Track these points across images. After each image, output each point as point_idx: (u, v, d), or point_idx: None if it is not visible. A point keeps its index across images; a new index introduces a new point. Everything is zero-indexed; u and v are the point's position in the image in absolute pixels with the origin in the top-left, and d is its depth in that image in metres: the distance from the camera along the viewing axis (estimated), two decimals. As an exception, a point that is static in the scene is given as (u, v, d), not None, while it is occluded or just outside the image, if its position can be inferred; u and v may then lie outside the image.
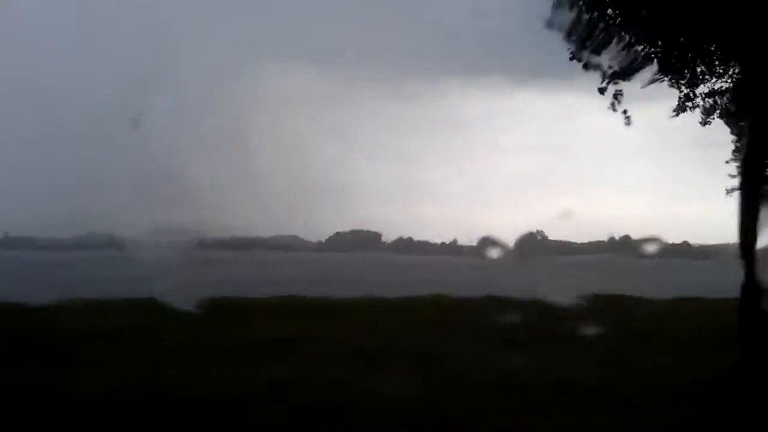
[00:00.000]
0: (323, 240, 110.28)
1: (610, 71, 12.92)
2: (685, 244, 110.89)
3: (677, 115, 15.24)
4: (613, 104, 13.14)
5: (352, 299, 20.84)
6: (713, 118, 16.14)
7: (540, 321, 16.10)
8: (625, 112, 13.30)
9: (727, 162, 18.98)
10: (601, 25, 12.50)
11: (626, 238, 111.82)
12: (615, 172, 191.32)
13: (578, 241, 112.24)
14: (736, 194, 18.46)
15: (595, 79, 13.10)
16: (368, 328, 15.10)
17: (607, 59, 12.79)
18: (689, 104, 15.39)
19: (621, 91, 13.09)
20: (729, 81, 15.32)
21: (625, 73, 12.94)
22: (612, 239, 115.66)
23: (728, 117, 16.56)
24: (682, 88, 14.93)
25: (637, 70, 13.09)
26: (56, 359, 11.60)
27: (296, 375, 10.74)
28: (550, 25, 12.53)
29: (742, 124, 15.98)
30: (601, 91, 13.06)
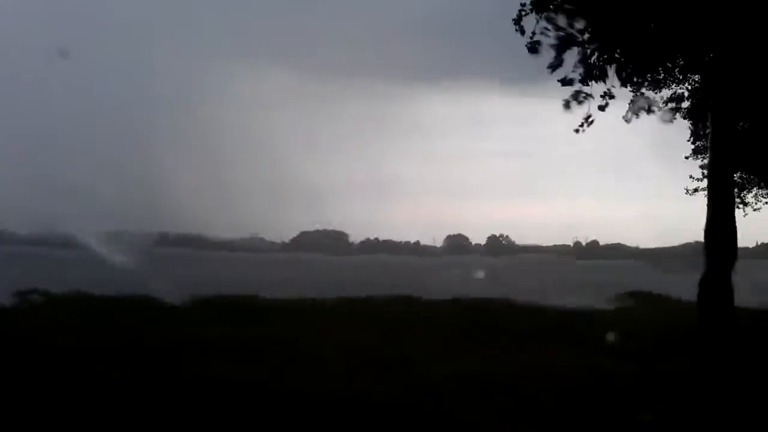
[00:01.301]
0: (287, 240, 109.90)
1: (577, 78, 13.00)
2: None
3: (637, 117, 15.71)
4: (568, 103, 13.00)
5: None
6: (675, 118, 16.65)
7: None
8: (588, 117, 13.25)
9: (687, 157, 19.67)
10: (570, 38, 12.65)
11: (594, 243, 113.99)
12: (583, 177, 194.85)
13: (544, 244, 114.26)
14: (697, 194, 19.35)
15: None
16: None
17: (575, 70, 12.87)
18: (648, 107, 15.88)
19: (584, 95, 13.02)
20: (689, 86, 15.88)
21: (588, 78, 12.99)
22: (578, 243, 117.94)
23: (689, 118, 17.12)
24: (644, 92, 15.38)
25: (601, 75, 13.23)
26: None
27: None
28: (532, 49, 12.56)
29: (702, 126, 16.53)
30: (567, 104, 12.96)
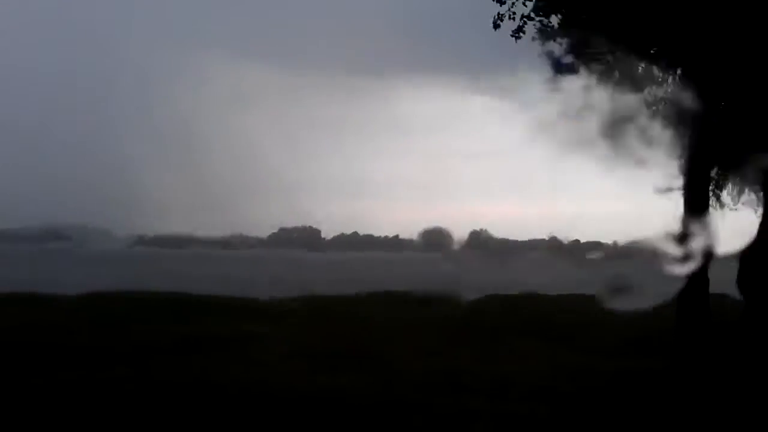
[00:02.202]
0: (264, 237, 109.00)
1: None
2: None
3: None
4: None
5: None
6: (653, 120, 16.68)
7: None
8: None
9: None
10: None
11: (576, 242, 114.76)
12: (560, 174, 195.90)
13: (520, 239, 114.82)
14: (670, 193, 19.36)
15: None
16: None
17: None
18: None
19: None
20: (669, 87, 15.90)
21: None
22: (554, 238, 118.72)
23: (668, 120, 17.14)
24: (626, 93, 15.38)
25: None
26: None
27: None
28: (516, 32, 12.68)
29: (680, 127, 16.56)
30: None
